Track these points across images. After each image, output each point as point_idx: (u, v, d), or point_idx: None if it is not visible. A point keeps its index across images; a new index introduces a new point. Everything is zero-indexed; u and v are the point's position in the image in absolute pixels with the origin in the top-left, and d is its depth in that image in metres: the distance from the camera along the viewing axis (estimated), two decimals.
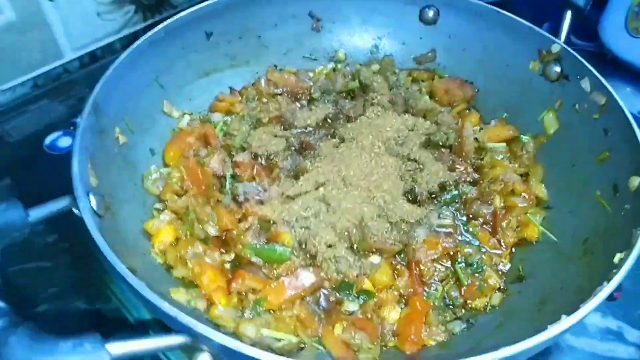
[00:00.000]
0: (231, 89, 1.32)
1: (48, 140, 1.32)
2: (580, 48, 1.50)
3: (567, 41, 1.20)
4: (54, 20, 1.38)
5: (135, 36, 1.43)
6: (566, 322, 0.70)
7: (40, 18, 1.36)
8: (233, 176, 1.13)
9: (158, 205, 1.08)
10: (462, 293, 0.99)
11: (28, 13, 1.33)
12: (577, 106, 1.12)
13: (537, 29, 1.18)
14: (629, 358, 0.99)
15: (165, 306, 0.69)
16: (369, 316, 0.96)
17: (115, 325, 1.00)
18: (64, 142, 1.31)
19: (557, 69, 1.17)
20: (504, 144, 1.20)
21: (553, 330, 0.69)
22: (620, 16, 1.37)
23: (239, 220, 1.05)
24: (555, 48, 1.16)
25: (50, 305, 1.03)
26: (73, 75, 1.51)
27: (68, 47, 1.47)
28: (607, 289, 0.73)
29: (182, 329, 0.69)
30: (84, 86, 1.41)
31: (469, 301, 0.98)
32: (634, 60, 1.37)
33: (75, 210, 0.85)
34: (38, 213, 0.81)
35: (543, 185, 1.12)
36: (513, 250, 1.06)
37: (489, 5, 1.25)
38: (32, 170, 1.27)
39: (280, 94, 1.33)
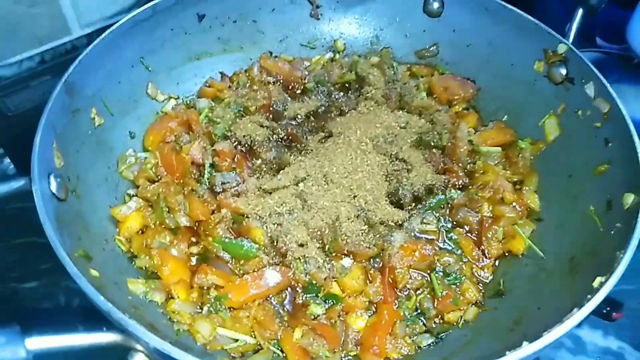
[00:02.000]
0: (222, 74, 1.28)
1: None
2: (606, 50, 1.40)
3: (577, 42, 1.11)
4: None
5: None
6: (525, 349, 0.64)
7: None
8: (212, 165, 1.10)
9: (131, 191, 1.05)
10: (436, 305, 0.93)
11: None
12: (580, 112, 1.04)
13: (543, 26, 1.10)
14: None
15: (100, 300, 0.66)
16: (334, 322, 0.91)
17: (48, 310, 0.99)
18: None
19: (563, 71, 1.08)
20: (499, 149, 1.13)
21: (512, 357, 0.63)
22: None
23: (212, 212, 1.02)
24: (561, 48, 1.08)
25: (42, 281, 1.04)
26: (81, 52, 1.47)
27: (76, 23, 1.44)
28: (578, 316, 0.67)
29: (117, 326, 0.65)
30: None
31: (442, 314, 0.93)
32: None
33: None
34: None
35: (537, 195, 1.05)
36: (496, 262, 1.00)
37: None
38: (28, 145, 1.25)
39: (274, 83, 1.28)
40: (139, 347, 0.66)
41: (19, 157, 1.23)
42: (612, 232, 0.84)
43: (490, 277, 0.98)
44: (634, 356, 0.96)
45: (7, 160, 1.28)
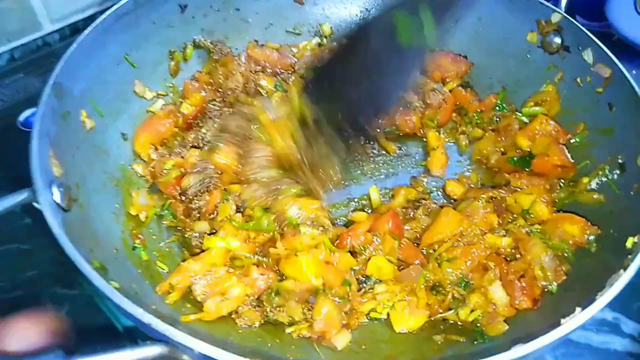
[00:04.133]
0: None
1: (22, 116, 1.23)
2: (586, 28, 1.42)
3: (569, 13, 1.12)
4: None
5: None
6: (582, 315, 0.64)
7: None
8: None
9: None
10: None
11: None
12: (578, 79, 1.05)
13: None
14: (624, 350, 0.96)
15: (138, 312, 0.61)
16: None
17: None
18: None
19: (557, 40, 1.09)
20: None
21: (569, 325, 0.63)
22: None
23: None
24: (555, 18, 1.08)
25: (28, 289, 0.98)
26: (53, 48, 1.42)
27: (47, 18, 1.38)
28: (625, 276, 0.67)
29: (160, 338, 0.61)
30: None
31: None
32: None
33: (35, 205, 0.76)
34: None
35: None
36: None
37: None
38: (4, 148, 1.18)
39: (262, 71, 1.24)
40: (184, 357, 0.61)
41: None
42: (632, 192, 0.85)
43: None
44: (629, 326, 0.98)
45: None
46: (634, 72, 1.30)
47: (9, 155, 1.12)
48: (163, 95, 1.15)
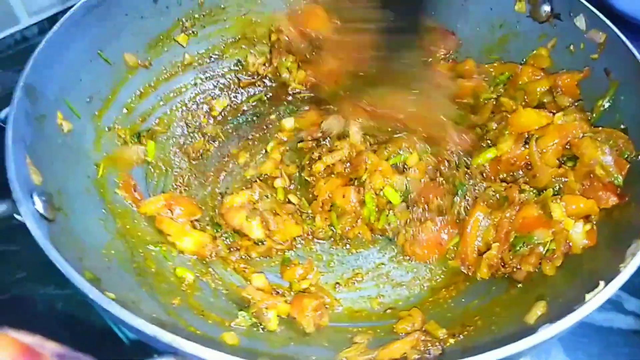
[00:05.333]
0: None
1: (3, 114, 1.15)
2: None
3: None
4: None
5: None
6: (607, 290, 0.62)
7: None
8: None
9: None
10: None
11: None
12: (572, 47, 1.03)
13: None
14: (627, 328, 0.95)
15: (142, 324, 0.56)
16: None
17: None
18: None
19: (547, 7, 1.06)
20: None
21: (595, 301, 0.61)
22: None
23: None
24: None
25: (18, 291, 0.95)
26: (31, 42, 1.38)
27: (24, 11, 1.34)
28: None
29: (165, 349, 0.57)
30: None
31: None
32: (633, 14, 1.26)
33: (17, 217, 0.70)
34: None
35: None
36: None
37: None
38: None
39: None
40: None
41: None
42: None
43: None
44: (632, 302, 0.97)
45: None
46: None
47: None
48: None
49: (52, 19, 1.39)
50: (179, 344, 0.56)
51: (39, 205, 0.72)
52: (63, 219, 0.79)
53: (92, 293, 0.59)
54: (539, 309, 0.69)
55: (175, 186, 1.08)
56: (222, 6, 1.20)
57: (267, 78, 1.25)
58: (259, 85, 1.25)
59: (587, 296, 0.62)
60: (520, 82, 1.07)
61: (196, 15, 1.17)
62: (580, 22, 1.00)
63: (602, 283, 0.63)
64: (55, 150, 0.87)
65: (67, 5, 1.39)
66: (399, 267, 1.00)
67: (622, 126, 0.90)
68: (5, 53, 1.34)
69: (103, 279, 0.74)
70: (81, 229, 0.81)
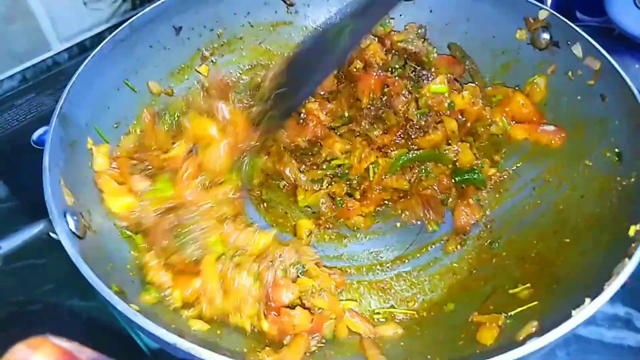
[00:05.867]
0: None
1: (35, 135, 1.28)
2: (586, 24, 1.44)
3: (569, 9, 1.14)
4: (38, 11, 1.34)
5: None
6: (592, 306, 0.66)
7: (24, 8, 1.32)
8: None
9: None
10: None
11: (11, 2, 1.29)
12: (570, 73, 1.08)
13: None
14: (638, 346, 0.95)
15: (162, 333, 0.63)
16: None
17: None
18: None
19: (546, 36, 1.12)
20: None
21: (580, 316, 0.65)
22: None
23: None
24: (542, 15, 1.11)
25: (48, 302, 1.01)
26: (62, 67, 1.49)
27: (55, 38, 1.44)
28: (631, 264, 0.69)
29: (185, 357, 0.63)
30: None
31: None
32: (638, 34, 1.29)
33: (52, 235, 0.78)
34: (10, 244, 0.74)
35: None
36: None
37: None
38: (19, 166, 1.24)
39: None
40: None
41: (12, 180, 1.21)
42: (633, 179, 0.88)
43: None
44: None
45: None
46: (636, 66, 1.33)
47: (26, 174, 1.18)
48: None
49: (81, 45, 1.49)
50: (197, 352, 0.62)
51: (72, 224, 0.80)
52: (92, 236, 0.86)
53: (120, 305, 0.66)
54: (530, 328, 0.73)
55: None
56: (239, 36, 1.29)
57: None
58: None
59: (573, 312, 0.67)
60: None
61: (215, 45, 1.25)
62: (577, 50, 1.05)
63: (587, 300, 0.67)
64: (85, 173, 0.94)
65: (94, 32, 1.50)
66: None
67: (616, 150, 0.94)
68: (39, 78, 1.44)
69: (127, 291, 0.81)
70: (108, 246, 0.89)
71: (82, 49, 1.50)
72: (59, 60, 1.46)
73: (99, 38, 1.51)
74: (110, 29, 1.48)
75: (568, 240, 0.92)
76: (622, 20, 1.28)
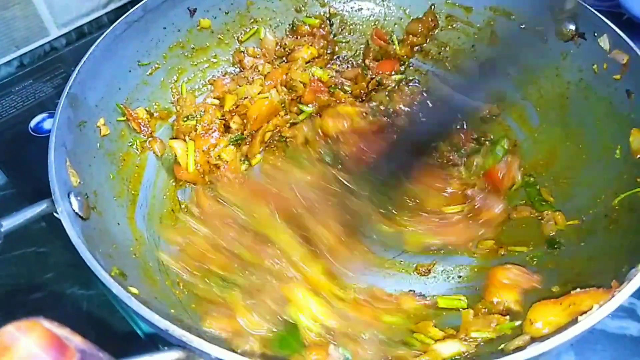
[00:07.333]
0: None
1: (33, 122, 1.27)
2: (596, 8, 1.37)
3: None
4: None
5: (123, 10, 1.31)
6: (599, 312, 0.63)
7: None
8: None
9: None
10: None
11: None
12: (595, 67, 1.03)
13: None
14: None
15: (156, 319, 0.62)
16: None
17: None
18: (50, 124, 1.24)
19: (572, 27, 1.06)
20: None
21: (586, 323, 0.62)
22: None
23: None
24: (569, 4, 1.05)
25: (45, 292, 1.01)
26: (60, 52, 1.47)
27: (53, 23, 1.42)
28: None
29: (177, 343, 0.62)
30: (72, 64, 1.34)
31: None
32: None
33: (55, 214, 0.78)
34: (12, 222, 0.74)
35: None
36: None
37: None
38: (18, 153, 1.23)
39: None
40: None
41: (10, 168, 1.20)
42: None
43: None
44: None
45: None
46: None
47: (24, 162, 1.19)
48: None
49: (79, 30, 1.48)
50: (188, 339, 0.61)
51: (75, 205, 0.79)
52: (97, 217, 0.86)
53: (115, 288, 0.66)
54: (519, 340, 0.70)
55: None
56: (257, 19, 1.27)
57: None
58: None
59: (580, 318, 0.64)
60: None
61: (229, 28, 1.23)
62: (604, 42, 1.00)
63: (595, 306, 0.64)
64: (93, 154, 0.95)
65: (92, 18, 1.48)
66: None
67: None
68: (36, 64, 1.42)
69: (129, 274, 0.81)
70: (113, 227, 0.89)
71: (80, 34, 1.47)
72: (57, 45, 1.44)
73: (97, 23, 1.48)
74: (109, 14, 1.49)
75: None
76: (632, 4, 1.21)
